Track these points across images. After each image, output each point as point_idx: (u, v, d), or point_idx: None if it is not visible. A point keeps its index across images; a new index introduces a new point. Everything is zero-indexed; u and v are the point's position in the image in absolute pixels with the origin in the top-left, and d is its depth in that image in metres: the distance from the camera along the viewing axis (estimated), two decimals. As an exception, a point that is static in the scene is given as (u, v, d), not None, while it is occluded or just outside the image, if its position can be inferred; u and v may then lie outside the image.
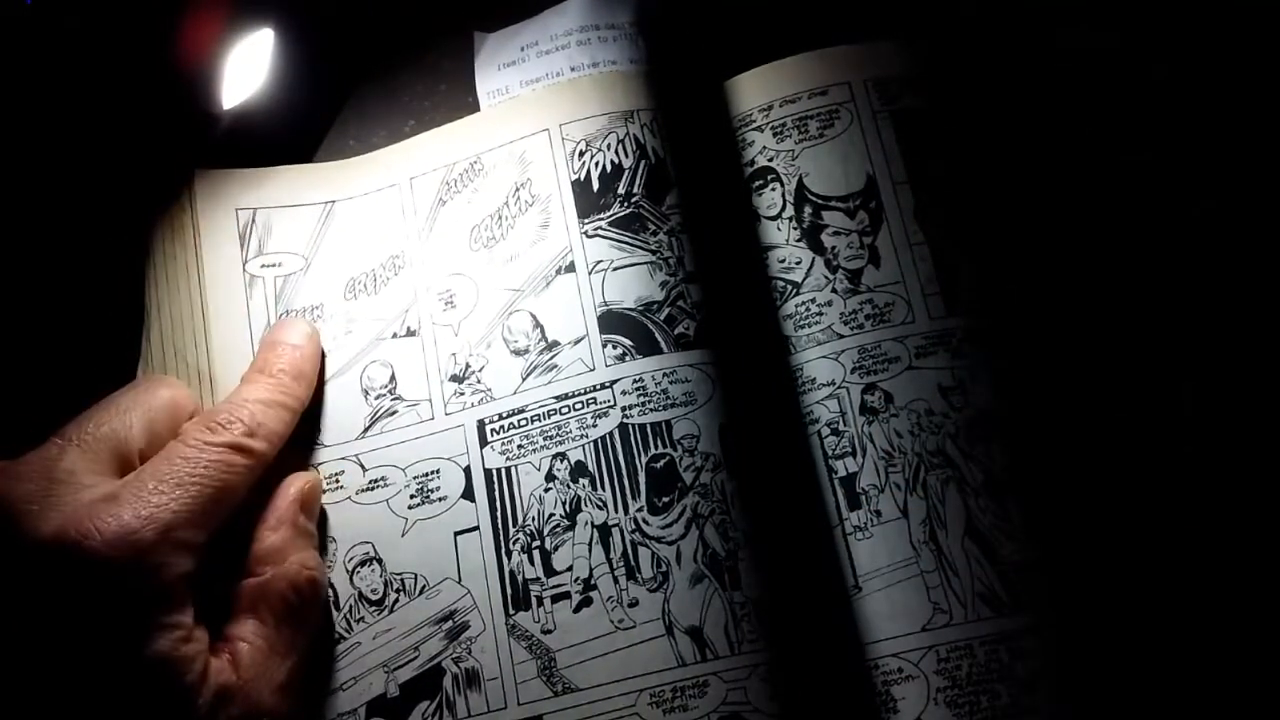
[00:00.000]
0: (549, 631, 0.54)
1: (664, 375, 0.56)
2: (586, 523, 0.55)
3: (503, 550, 0.56)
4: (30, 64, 0.62)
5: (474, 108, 0.67)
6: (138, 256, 0.62)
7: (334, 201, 0.63)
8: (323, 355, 0.60)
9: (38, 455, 0.51)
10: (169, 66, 0.62)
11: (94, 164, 0.64)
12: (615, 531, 0.55)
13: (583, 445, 0.56)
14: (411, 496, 0.58)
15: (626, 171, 0.60)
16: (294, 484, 0.56)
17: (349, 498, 0.58)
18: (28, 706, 0.47)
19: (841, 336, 0.58)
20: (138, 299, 0.61)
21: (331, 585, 0.57)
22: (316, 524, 0.58)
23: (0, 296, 0.63)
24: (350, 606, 0.57)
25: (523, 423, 0.57)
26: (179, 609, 0.49)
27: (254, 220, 0.63)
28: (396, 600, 0.56)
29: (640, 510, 0.55)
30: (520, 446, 0.57)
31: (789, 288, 0.59)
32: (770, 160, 0.61)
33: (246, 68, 0.64)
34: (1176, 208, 0.59)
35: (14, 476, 0.49)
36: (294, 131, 0.67)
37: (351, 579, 0.57)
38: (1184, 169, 0.60)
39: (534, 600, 0.55)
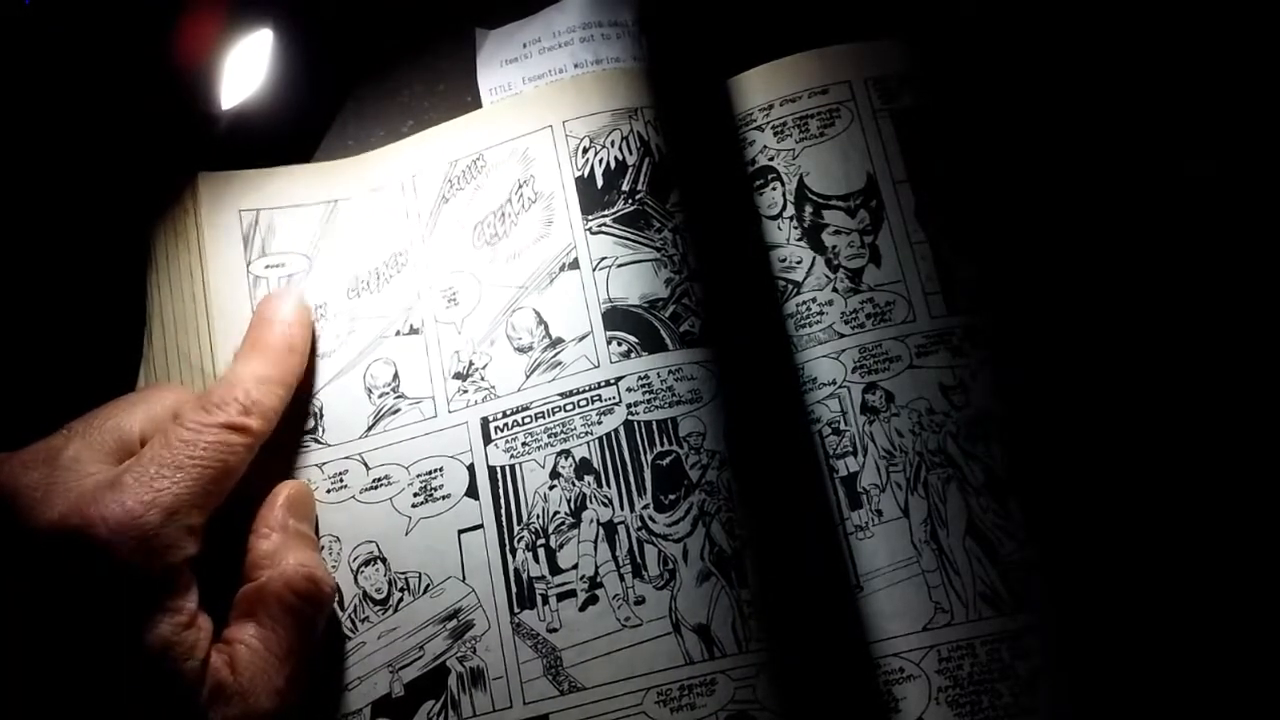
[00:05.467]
0: (554, 630, 0.54)
1: (669, 372, 0.56)
2: (592, 520, 0.55)
3: (507, 548, 0.56)
4: (30, 64, 0.61)
5: (472, 107, 0.67)
6: (140, 259, 0.62)
7: (337, 201, 0.63)
8: (314, 331, 0.60)
9: (44, 444, 0.51)
10: (168, 67, 0.61)
11: (96, 166, 0.64)
12: (621, 529, 0.55)
13: (587, 442, 0.56)
14: (415, 495, 0.57)
15: (631, 168, 0.59)
16: (282, 491, 0.57)
17: (353, 497, 0.58)
18: (33, 691, 0.47)
19: (842, 336, 0.58)
20: (140, 302, 0.61)
21: (336, 586, 0.56)
22: (315, 527, 0.58)
23: (1, 299, 0.63)
24: (355, 606, 0.56)
25: (527, 420, 0.57)
26: (183, 593, 0.49)
27: (257, 221, 0.62)
28: (401, 599, 0.56)
29: (646, 507, 0.55)
30: (524, 444, 0.57)
31: (790, 287, 0.59)
32: (771, 160, 0.61)
33: (245, 68, 0.64)
34: (1177, 205, 0.60)
35: (20, 465, 0.50)
36: (293, 131, 0.67)
37: (356, 578, 0.57)
38: (1185, 167, 0.60)
39: (539, 598, 0.55)
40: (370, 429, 0.59)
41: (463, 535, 0.56)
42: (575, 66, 0.66)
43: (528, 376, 0.58)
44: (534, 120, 0.62)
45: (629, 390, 0.56)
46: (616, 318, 0.57)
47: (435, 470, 0.58)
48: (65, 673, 0.47)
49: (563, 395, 0.57)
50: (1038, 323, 0.57)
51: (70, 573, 0.47)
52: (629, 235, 0.58)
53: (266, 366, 0.57)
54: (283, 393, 0.57)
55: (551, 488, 0.56)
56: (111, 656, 0.47)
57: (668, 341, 0.57)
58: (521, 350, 0.58)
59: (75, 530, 0.47)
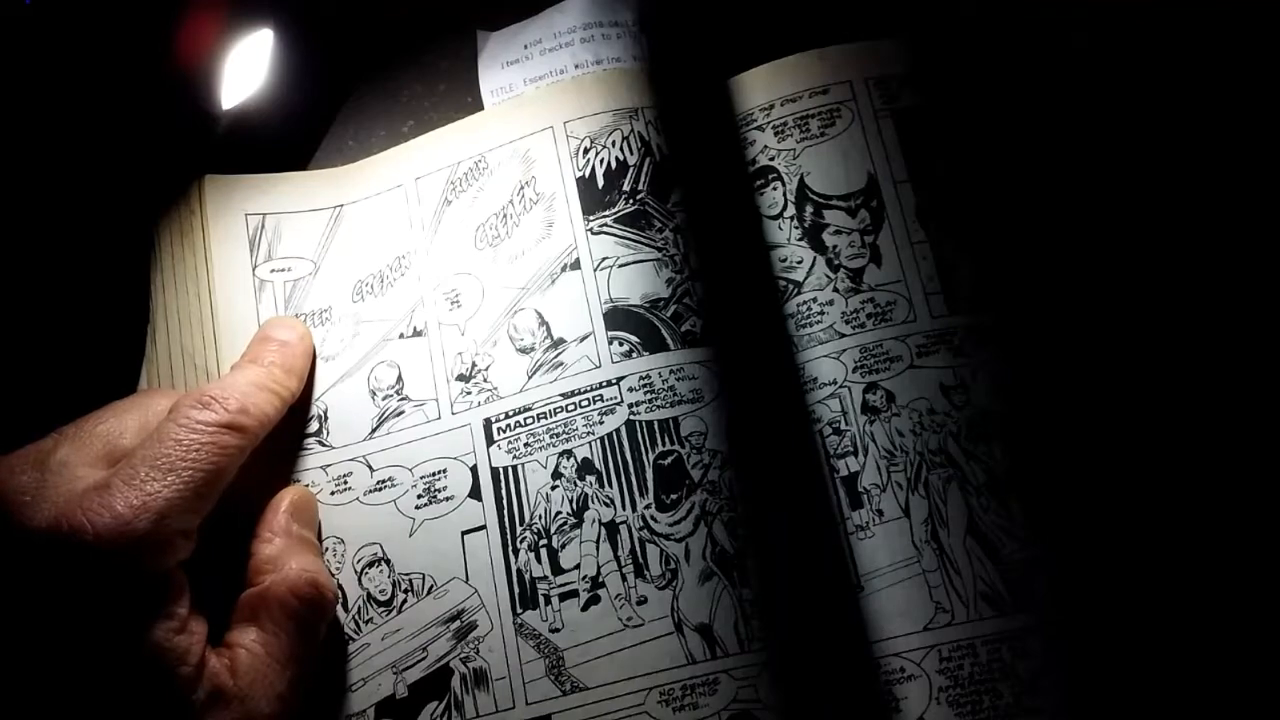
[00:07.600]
0: (557, 630, 0.54)
1: (671, 372, 0.56)
2: (594, 520, 0.55)
3: (510, 549, 0.56)
4: (31, 65, 0.61)
5: (473, 107, 0.67)
6: (142, 259, 0.62)
7: (342, 205, 0.63)
8: (314, 356, 0.60)
9: (33, 447, 0.51)
10: (169, 67, 0.62)
11: (101, 168, 0.64)
12: (623, 529, 0.55)
13: (589, 442, 0.56)
14: (419, 497, 0.57)
15: (631, 169, 0.60)
16: (285, 497, 0.57)
17: (357, 499, 0.58)
18: (22, 697, 0.47)
19: (843, 336, 0.58)
20: (142, 301, 0.61)
21: (340, 587, 0.57)
22: (318, 533, 0.58)
23: (7, 299, 0.63)
24: (359, 608, 0.56)
25: (529, 420, 0.57)
26: (175, 598, 0.49)
27: (263, 225, 0.63)
28: (405, 601, 0.56)
29: (648, 507, 0.55)
30: (527, 444, 0.57)
31: (790, 287, 0.59)
32: (771, 160, 0.61)
33: (245, 68, 0.64)
34: (1177, 205, 0.60)
35: (8, 468, 0.49)
36: (293, 132, 0.67)
37: (360, 580, 0.57)
38: (1185, 166, 0.60)
39: (541, 599, 0.55)
40: (374, 431, 0.59)
41: (466, 536, 0.56)
42: (576, 67, 0.66)
43: (530, 377, 0.58)
44: (535, 121, 0.62)
45: (630, 390, 0.56)
46: (618, 318, 0.58)
47: (439, 472, 0.58)
48: (56, 677, 0.47)
49: (565, 395, 0.57)
50: (1038, 322, 0.57)
51: (59, 577, 0.46)
52: (630, 235, 0.59)
53: (262, 378, 0.56)
54: (278, 403, 0.56)
55: (554, 488, 0.56)
56: (102, 661, 0.47)
57: (669, 341, 0.57)
58: (524, 351, 0.58)
59: (63, 534, 0.46)
